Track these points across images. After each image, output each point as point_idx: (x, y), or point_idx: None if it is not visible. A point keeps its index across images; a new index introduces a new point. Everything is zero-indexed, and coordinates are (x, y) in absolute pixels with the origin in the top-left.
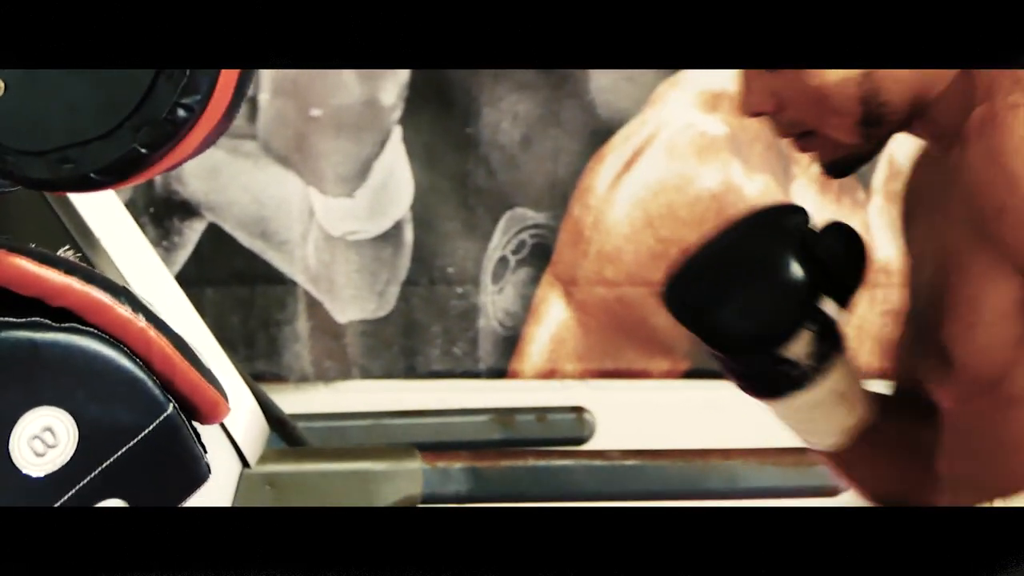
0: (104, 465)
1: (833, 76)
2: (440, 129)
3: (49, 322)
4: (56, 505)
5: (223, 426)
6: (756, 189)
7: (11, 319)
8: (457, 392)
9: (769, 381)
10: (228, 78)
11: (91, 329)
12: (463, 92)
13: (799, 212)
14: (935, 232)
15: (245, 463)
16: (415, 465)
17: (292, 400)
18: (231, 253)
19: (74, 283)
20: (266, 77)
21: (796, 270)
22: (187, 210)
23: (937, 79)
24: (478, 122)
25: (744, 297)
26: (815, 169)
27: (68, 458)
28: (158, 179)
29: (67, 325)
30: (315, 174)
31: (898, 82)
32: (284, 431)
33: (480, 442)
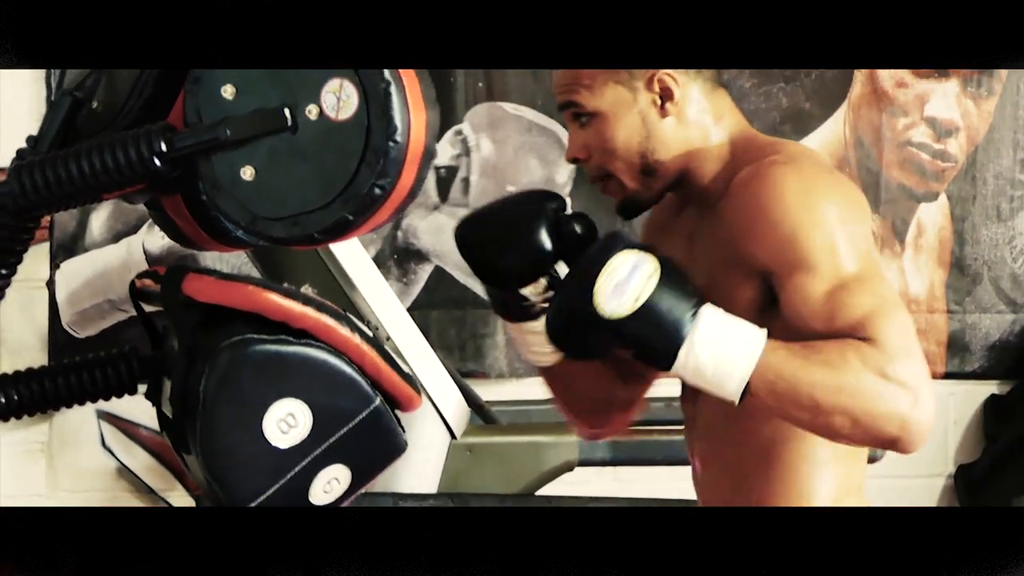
0: (330, 441)
1: (622, 134)
2: (598, 199)
3: (291, 339)
4: (295, 470)
5: (437, 409)
6: None
7: (264, 336)
8: None
9: (510, 309)
10: (411, 167)
11: (321, 344)
12: None
13: (558, 199)
14: (691, 266)
15: (453, 435)
16: (573, 438)
17: (492, 391)
18: (450, 286)
19: (309, 311)
20: (475, 163)
21: (537, 237)
22: (420, 256)
23: (701, 152)
24: None
25: (499, 249)
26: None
27: (305, 435)
28: (400, 234)
29: (304, 341)
30: None
31: (668, 148)
32: (482, 413)
33: None
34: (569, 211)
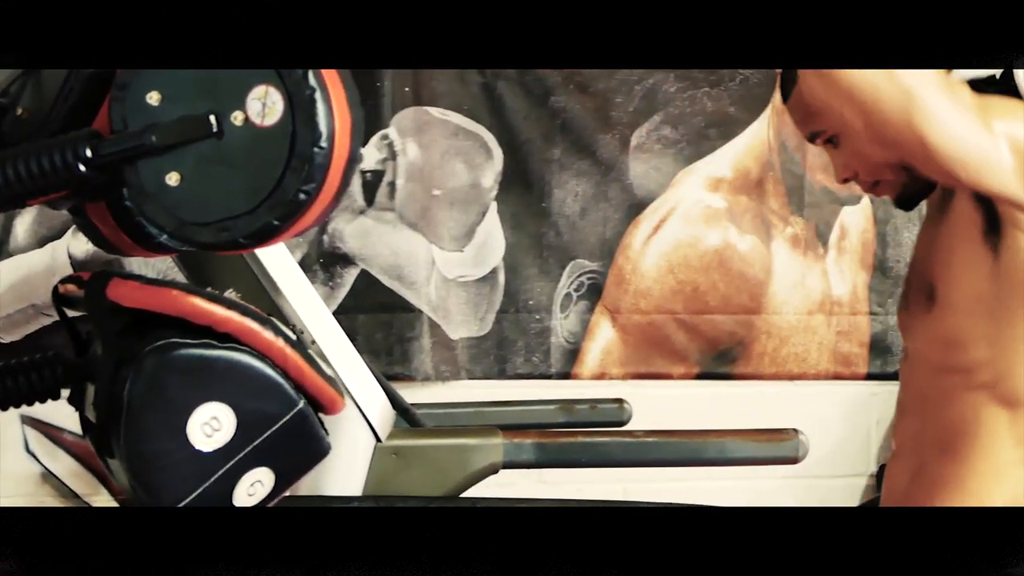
0: (254, 444)
1: (879, 152)
2: (523, 203)
3: (216, 343)
4: (219, 473)
5: (362, 412)
6: (747, 246)
7: (189, 340)
8: (534, 388)
9: None
10: (336, 173)
11: (245, 347)
12: (539, 178)
13: None
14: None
15: (378, 439)
16: (498, 441)
17: (417, 394)
18: (376, 290)
19: (233, 315)
20: (402, 167)
21: None
22: (346, 260)
23: None
24: (550, 199)
25: None
26: (788, 232)
27: (229, 439)
28: (326, 238)
29: (228, 345)
30: (436, 235)
31: None
32: (407, 416)
33: (548, 424)
34: None
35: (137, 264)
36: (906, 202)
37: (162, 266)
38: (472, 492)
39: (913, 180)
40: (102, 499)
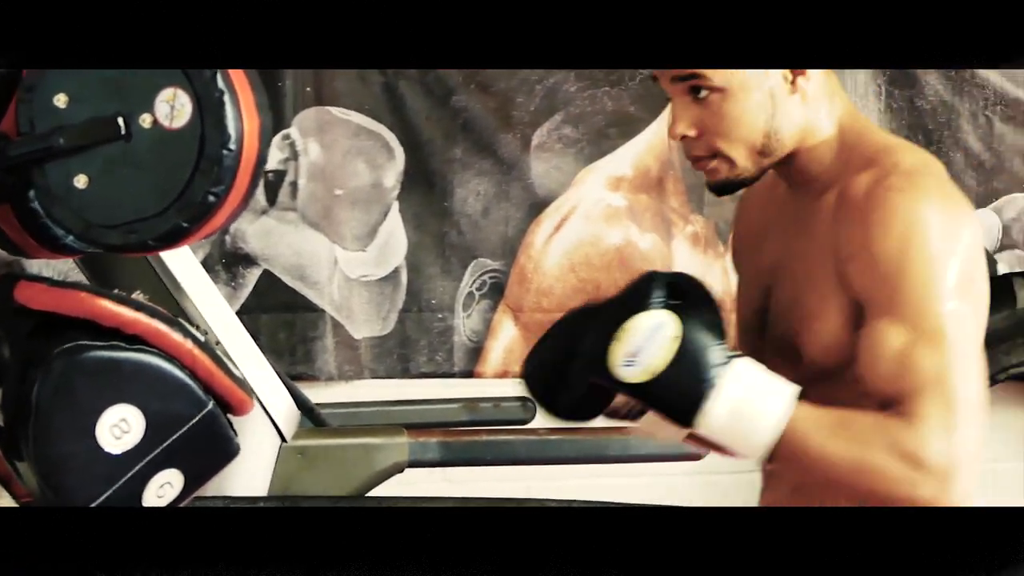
0: (164, 445)
1: (749, 112)
2: (425, 203)
3: (125, 345)
4: (128, 475)
5: (267, 412)
6: (647, 244)
7: (98, 343)
8: (437, 387)
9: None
10: (244, 175)
11: (153, 349)
12: (441, 177)
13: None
14: (791, 256)
15: (283, 439)
16: (402, 440)
17: (321, 393)
18: (279, 290)
19: (142, 317)
20: (303, 167)
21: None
22: (248, 260)
23: (813, 134)
24: (452, 198)
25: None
26: (688, 230)
27: (138, 440)
28: (228, 238)
29: (137, 347)
30: (338, 235)
31: (790, 127)
32: (312, 416)
33: (453, 423)
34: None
35: (37, 266)
36: (726, 189)
37: (63, 267)
38: (377, 491)
39: (755, 169)
40: (3, 502)
